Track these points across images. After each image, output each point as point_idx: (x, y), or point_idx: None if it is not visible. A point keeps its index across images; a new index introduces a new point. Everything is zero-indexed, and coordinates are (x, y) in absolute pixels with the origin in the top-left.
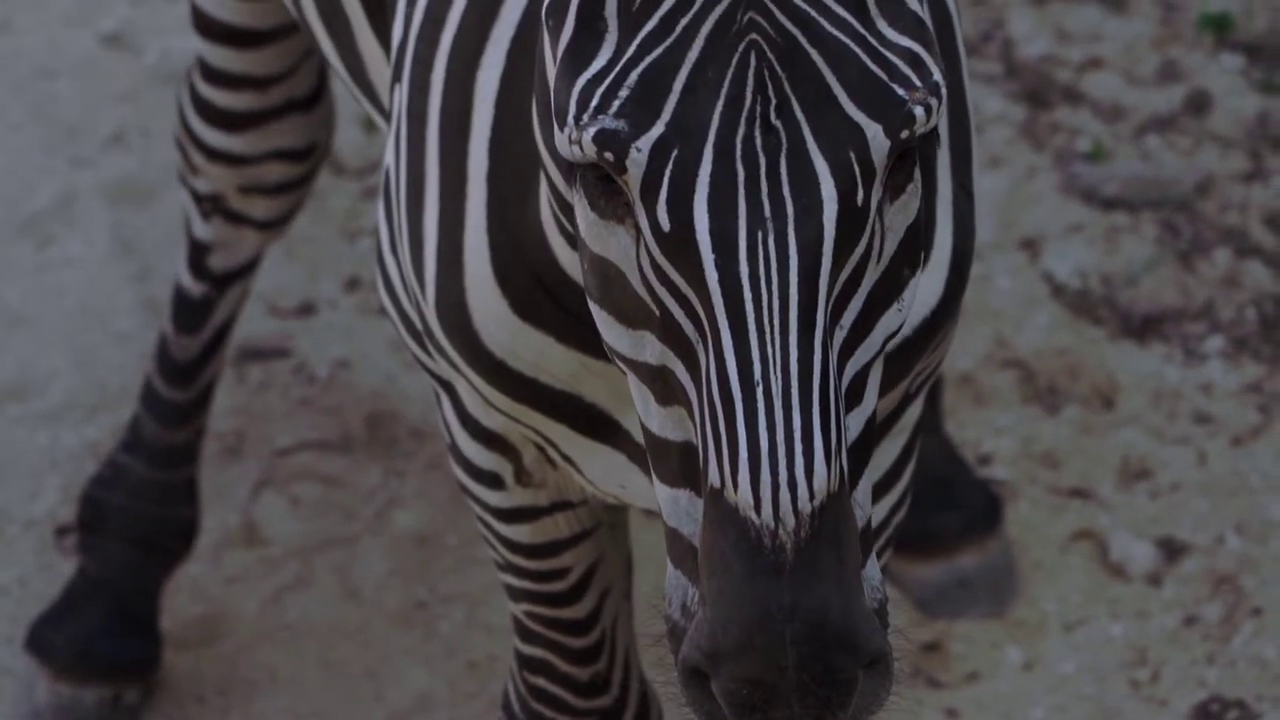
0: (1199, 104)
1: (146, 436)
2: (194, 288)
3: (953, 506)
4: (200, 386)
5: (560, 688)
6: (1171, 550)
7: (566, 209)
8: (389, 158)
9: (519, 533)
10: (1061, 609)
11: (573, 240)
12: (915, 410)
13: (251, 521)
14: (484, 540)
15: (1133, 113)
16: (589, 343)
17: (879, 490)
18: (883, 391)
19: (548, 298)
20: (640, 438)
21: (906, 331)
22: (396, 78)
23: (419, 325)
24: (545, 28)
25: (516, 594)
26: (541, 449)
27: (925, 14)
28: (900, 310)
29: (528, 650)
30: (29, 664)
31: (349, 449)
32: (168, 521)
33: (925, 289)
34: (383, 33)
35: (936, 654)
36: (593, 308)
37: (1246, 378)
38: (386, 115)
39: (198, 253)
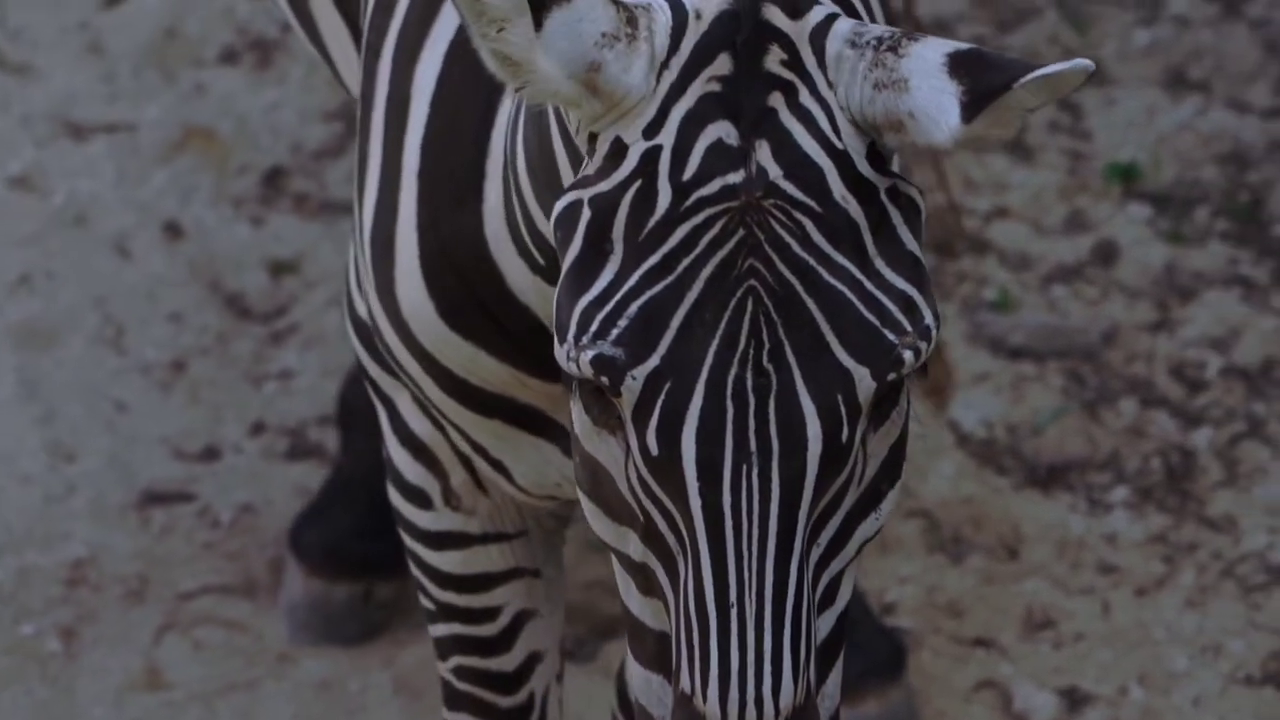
0: (1106, 254)
1: None
2: None
3: (856, 653)
4: None
5: None
6: (1074, 700)
7: (539, 239)
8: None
9: (449, 561)
10: None
11: (534, 265)
12: None
13: (154, 665)
14: (417, 586)
15: (1040, 262)
16: (523, 360)
17: None
18: None
19: (480, 310)
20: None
21: None
22: (362, 62)
23: (369, 320)
24: (554, 237)
25: (445, 646)
26: (470, 468)
27: (920, 251)
28: (878, 519)
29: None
30: (288, 560)
31: (252, 593)
32: None
33: None
34: (344, 4)
35: None
36: (581, 498)
37: (1151, 528)
38: (348, 89)
39: None
